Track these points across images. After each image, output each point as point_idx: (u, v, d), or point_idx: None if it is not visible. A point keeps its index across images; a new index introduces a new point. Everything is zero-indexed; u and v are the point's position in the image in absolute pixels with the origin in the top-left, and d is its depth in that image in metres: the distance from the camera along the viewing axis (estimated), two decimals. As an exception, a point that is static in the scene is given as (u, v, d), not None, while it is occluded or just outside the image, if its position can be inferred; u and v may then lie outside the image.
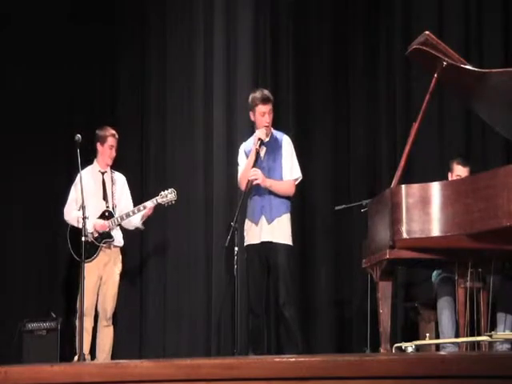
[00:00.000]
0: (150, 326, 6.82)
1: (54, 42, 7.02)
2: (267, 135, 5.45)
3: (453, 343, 4.92)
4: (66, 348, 5.83)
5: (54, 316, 6.33)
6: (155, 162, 6.94)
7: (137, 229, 6.08)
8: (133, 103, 7.21)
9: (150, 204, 5.82)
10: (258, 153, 5.35)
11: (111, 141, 5.96)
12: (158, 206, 5.95)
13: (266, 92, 5.51)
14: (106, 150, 5.95)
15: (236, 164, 5.59)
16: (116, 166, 6.08)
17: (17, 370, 2.68)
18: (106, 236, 5.82)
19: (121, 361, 2.67)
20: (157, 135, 7.07)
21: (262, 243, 5.31)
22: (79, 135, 5.66)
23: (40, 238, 6.67)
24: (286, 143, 5.47)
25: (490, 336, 4.45)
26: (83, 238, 5.46)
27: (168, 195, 5.86)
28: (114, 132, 5.99)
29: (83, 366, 2.91)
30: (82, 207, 5.40)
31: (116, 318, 6.52)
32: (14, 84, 6.87)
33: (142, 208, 5.83)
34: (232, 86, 6.63)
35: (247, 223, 5.44)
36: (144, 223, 6.03)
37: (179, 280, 6.73)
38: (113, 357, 5.80)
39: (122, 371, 2.56)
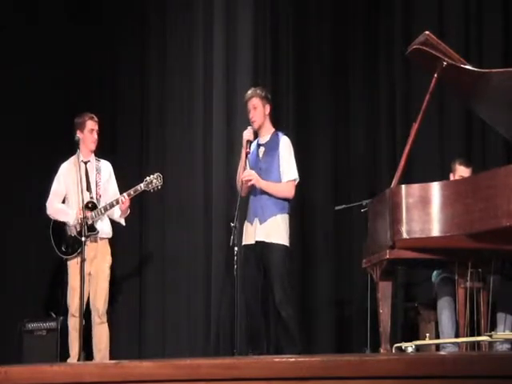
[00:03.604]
0: (150, 326, 6.81)
1: (53, 42, 7.02)
2: (262, 134, 5.47)
3: (453, 343, 4.92)
4: (66, 348, 5.79)
5: (53, 316, 6.33)
6: (155, 161, 6.94)
7: (119, 223, 5.85)
8: (133, 103, 7.21)
9: (125, 196, 5.56)
10: (247, 155, 5.37)
11: (90, 124, 5.73)
12: (150, 195, 5.78)
13: (251, 90, 5.54)
14: (87, 135, 5.71)
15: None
16: (116, 166, 6.06)
17: (17, 369, 2.68)
18: (89, 229, 5.48)
19: (121, 361, 2.67)
20: (156, 135, 7.07)
21: (257, 243, 5.31)
22: (80, 135, 5.66)
23: (40, 237, 6.66)
24: (284, 144, 5.46)
25: (490, 336, 4.45)
26: (69, 232, 5.40)
27: (153, 180, 5.60)
28: (92, 115, 5.77)
29: (83, 366, 2.91)
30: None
31: (115, 318, 6.53)
32: (14, 84, 6.86)
33: (114, 203, 5.59)
34: (232, 85, 6.63)
35: (245, 224, 5.45)
36: (128, 218, 5.82)
37: (178, 280, 6.73)
38: (112, 357, 5.74)
39: (122, 371, 2.56)
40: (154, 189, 5.65)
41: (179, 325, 6.68)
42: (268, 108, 5.50)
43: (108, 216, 5.79)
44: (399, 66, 6.32)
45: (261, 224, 5.31)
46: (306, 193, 6.24)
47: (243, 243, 5.42)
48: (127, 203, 5.62)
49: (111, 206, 5.64)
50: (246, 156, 5.38)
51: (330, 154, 6.57)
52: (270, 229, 5.30)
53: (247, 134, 5.40)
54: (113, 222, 5.85)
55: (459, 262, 4.58)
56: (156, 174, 5.66)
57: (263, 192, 5.35)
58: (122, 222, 5.84)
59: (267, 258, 5.29)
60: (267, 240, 5.29)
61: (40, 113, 6.94)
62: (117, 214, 5.76)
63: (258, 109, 5.44)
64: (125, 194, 5.62)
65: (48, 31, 7.01)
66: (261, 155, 5.48)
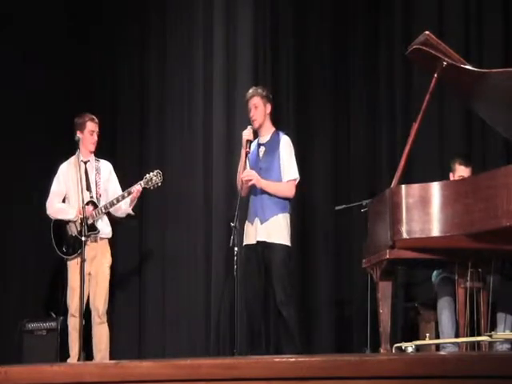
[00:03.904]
0: (150, 326, 6.81)
1: (53, 42, 7.02)
2: (263, 133, 5.47)
3: (453, 343, 4.92)
4: (66, 348, 5.79)
5: (53, 316, 6.32)
6: (155, 161, 6.93)
7: (128, 215, 5.84)
8: (133, 103, 7.21)
9: (134, 189, 5.58)
10: (247, 155, 5.37)
11: (90, 126, 5.73)
12: (150, 195, 5.79)
13: (252, 89, 5.54)
14: (87, 136, 5.71)
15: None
16: (116, 166, 6.06)
17: (17, 370, 2.68)
18: (90, 229, 5.49)
19: (121, 361, 2.67)
20: (156, 135, 7.07)
21: (258, 243, 5.31)
22: (80, 135, 5.66)
23: (40, 237, 6.66)
24: (284, 143, 5.45)
25: (490, 336, 4.45)
26: (69, 232, 5.42)
27: (153, 178, 5.61)
28: (92, 116, 5.78)
29: (83, 366, 2.91)
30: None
31: (115, 318, 6.53)
32: (14, 84, 6.86)
33: (126, 195, 5.60)
34: (232, 85, 6.63)
35: (246, 223, 5.45)
36: (126, 219, 5.81)
37: (178, 280, 6.73)
38: (112, 357, 5.74)
39: (122, 371, 2.56)
40: (153, 186, 5.66)
41: (179, 325, 6.68)
42: (269, 107, 5.50)
43: (115, 213, 5.79)
44: (399, 66, 6.32)
45: (262, 224, 5.31)
46: (306, 193, 6.24)
47: (244, 243, 5.42)
48: (138, 193, 5.63)
49: (111, 204, 5.64)
50: (246, 156, 5.38)
51: (329, 154, 6.57)
52: (272, 228, 5.30)
53: (247, 133, 5.40)
54: (112, 222, 5.85)
55: (459, 262, 4.58)
56: (156, 171, 5.66)
57: (264, 192, 5.35)
58: (131, 211, 5.81)
59: (269, 258, 5.29)
60: (268, 240, 5.29)
61: (40, 113, 6.94)
62: (124, 207, 5.73)
63: (258, 108, 5.44)
64: (137, 185, 5.59)
65: (48, 31, 7.01)
66: (261, 155, 5.48)
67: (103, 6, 7.36)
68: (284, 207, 5.37)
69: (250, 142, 5.40)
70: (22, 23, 6.96)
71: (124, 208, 5.77)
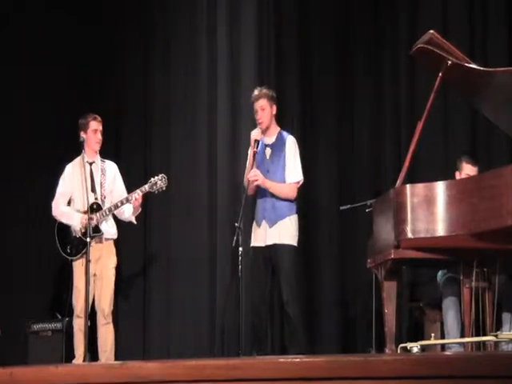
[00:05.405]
0: (155, 327, 6.81)
1: (54, 41, 7.02)
2: (269, 134, 5.46)
3: (458, 343, 4.91)
4: (72, 349, 5.79)
5: (59, 317, 6.33)
6: (159, 162, 6.94)
7: (130, 222, 5.84)
8: (136, 104, 7.21)
9: (138, 192, 5.54)
10: (255, 154, 5.37)
11: (94, 125, 5.70)
12: (154, 196, 5.79)
13: (257, 90, 5.53)
14: (90, 135, 5.69)
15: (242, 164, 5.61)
16: (121, 167, 6.06)
17: (22, 370, 2.68)
18: (93, 230, 5.49)
19: (126, 361, 2.67)
20: (160, 135, 7.07)
21: (267, 246, 5.34)
22: (84, 136, 5.66)
23: (45, 238, 6.66)
24: (290, 144, 5.46)
25: (496, 336, 4.44)
26: (74, 233, 5.46)
27: (158, 182, 5.58)
28: (95, 115, 5.75)
29: (88, 367, 2.91)
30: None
31: (120, 319, 6.54)
32: (15, 84, 6.87)
33: (130, 198, 5.57)
34: (236, 85, 6.63)
35: (253, 225, 5.47)
36: (137, 218, 5.80)
37: (183, 280, 6.72)
38: (116, 357, 5.74)
39: (127, 372, 2.56)
40: (158, 190, 5.65)
41: (184, 325, 6.67)
42: (275, 108, 5.52)
43: (119, 217, 5.79)
44: (404, 66, 6.31)
45: (270, 227, 5.34)
46: (310, 193, 6.24)
47: (252, 245, 5.45)
48: (140, 200, 5.61)
49: (116, 206, 5.64)
50: (254, 155, 5.38)
51: (334, 154, 6.56)
52: (280, 231, 5.33)
53: (255, 133, 5.41)
54: (118, 223, 5.85)
55: (464, 262, 4.57)
56: (160, 176, 5.66)
57: (271, 194, 5.37)
58: (134, 220, 5.82)
59: (276, 259, 5.33)
60: (278, 242, 5.33)
61: (42, 113, 6.93)
62: (127, 213, 5.74)
63: (265, 110, 5.44)
64: (138, 191, 5.58)
65: (48, 31, 7.00)
66: (268, 156, 5.48)
67: (105, 5, 7.36)
68: (291, 209, 5.40)
69: (258, 141, 5.40)
70: (21, 22, 6.96)
71: (127, 216, 5.76)
